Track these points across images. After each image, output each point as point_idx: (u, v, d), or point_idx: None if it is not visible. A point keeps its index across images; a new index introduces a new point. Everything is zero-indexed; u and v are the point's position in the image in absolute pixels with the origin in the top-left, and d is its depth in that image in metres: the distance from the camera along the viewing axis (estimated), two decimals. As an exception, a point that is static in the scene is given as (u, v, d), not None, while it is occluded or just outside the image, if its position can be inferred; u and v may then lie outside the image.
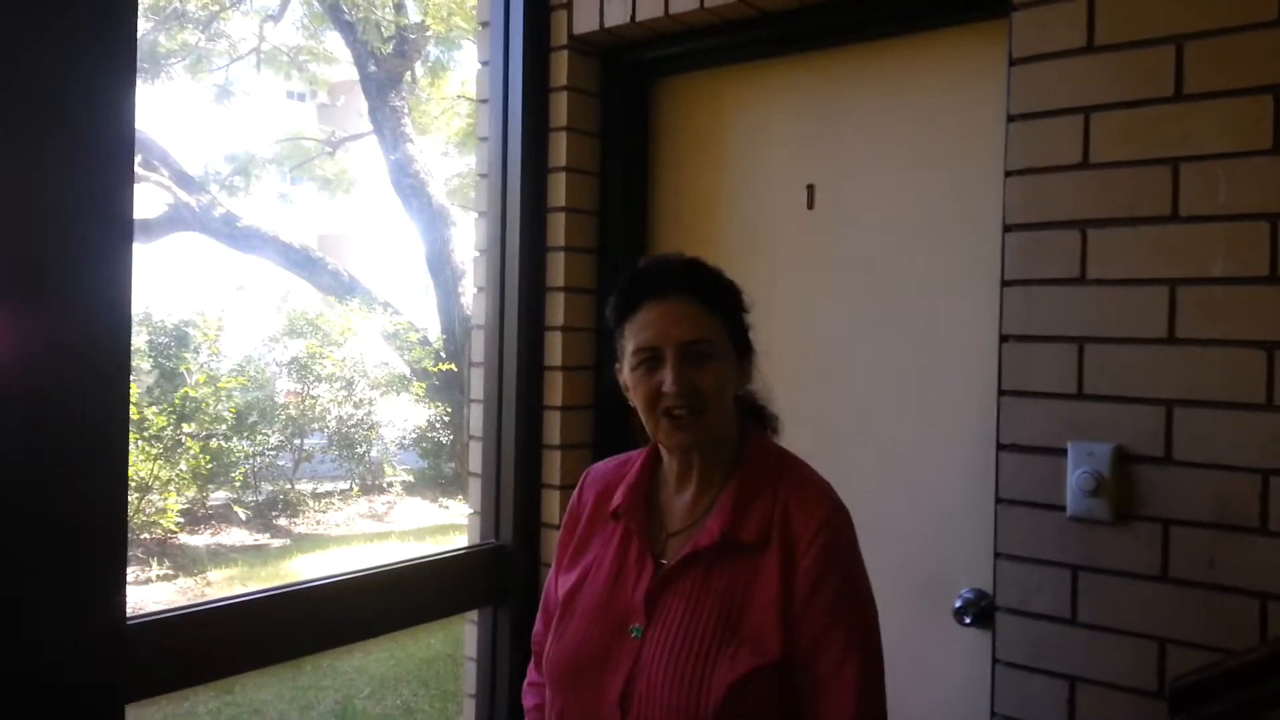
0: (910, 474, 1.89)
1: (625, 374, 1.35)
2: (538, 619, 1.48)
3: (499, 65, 2.18)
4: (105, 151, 1.39)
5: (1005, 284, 1.62)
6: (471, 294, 8.76)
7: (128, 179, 1.43)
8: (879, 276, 1.93)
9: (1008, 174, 1.61)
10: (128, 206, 1.43)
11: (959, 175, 1.84)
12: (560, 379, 2.13)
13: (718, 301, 1.34)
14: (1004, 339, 1.62)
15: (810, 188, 2.03)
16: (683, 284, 1.32)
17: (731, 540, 1.27)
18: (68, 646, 1.32)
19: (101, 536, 1.36)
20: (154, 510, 7.38)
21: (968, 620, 1.77)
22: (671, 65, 2.16)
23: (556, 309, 2.14)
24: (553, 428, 2.14)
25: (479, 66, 2.28)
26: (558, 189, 2.15)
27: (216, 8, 10.59)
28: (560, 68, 2.15)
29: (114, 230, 1.40)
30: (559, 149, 2.15)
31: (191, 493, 7.98)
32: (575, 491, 1.48)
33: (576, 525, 1.43)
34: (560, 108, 2.15)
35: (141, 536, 7.29)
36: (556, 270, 2.15)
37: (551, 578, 1.45)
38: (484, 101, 2.24)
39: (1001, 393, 1.62)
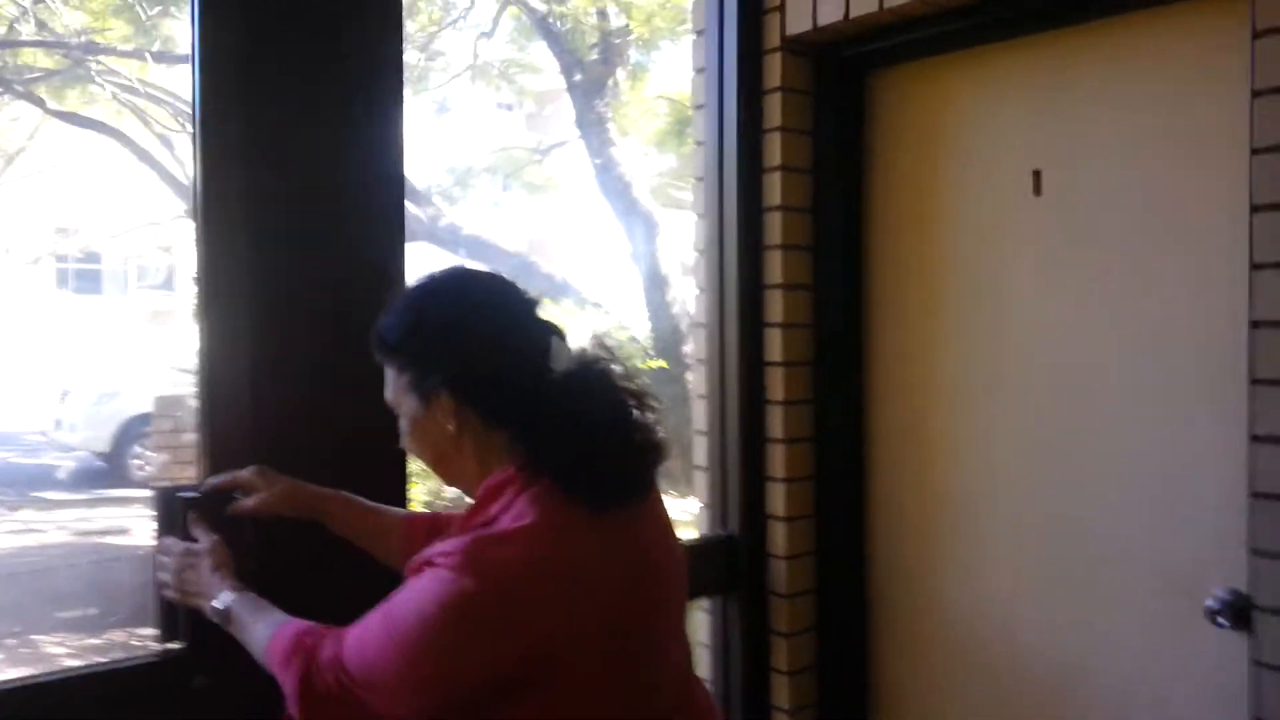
0: (1152, 469, 1.82)
1: None
2: None
3: (714, 71, 2.25)
4: (382, 168, 1.62)
5: (1255, 267, 1.54)
6: (678, 292, 8.87)
7: (399, 192, 1.65)
8: (1112, 261, 1.87)
9: (1254, 152, 1.53)
10: (399, 216, 1.66)
11: (1198, 154, 1.75)
12: (780, 374, 2.18)
13: (392, 353, 1.21)
14: (1255, 325, 1.54)
15: (1037, 173, 1.98)
16: (374, 339, 1.24)
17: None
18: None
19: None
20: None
21: (1222, 621, 1.69)
22: (886, 57, 2.17)
23: (775, 305, 2.19)
24: (775, 422, 2.20)
25: (694, 74, 2.36)
26: (773, 188, 2.19)
27: (435, 28, 11.25)
28: (774, 69, 2.19)
29: (391, 238, 1.63)
30: (773, 149, 2.19)
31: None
32: None
33: None
34: (774, 108, 2.19)
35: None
36: (774, 268, 2.20)
37: None
38: (699, 108, 2.31)
39: (1254, 382, 1.54)
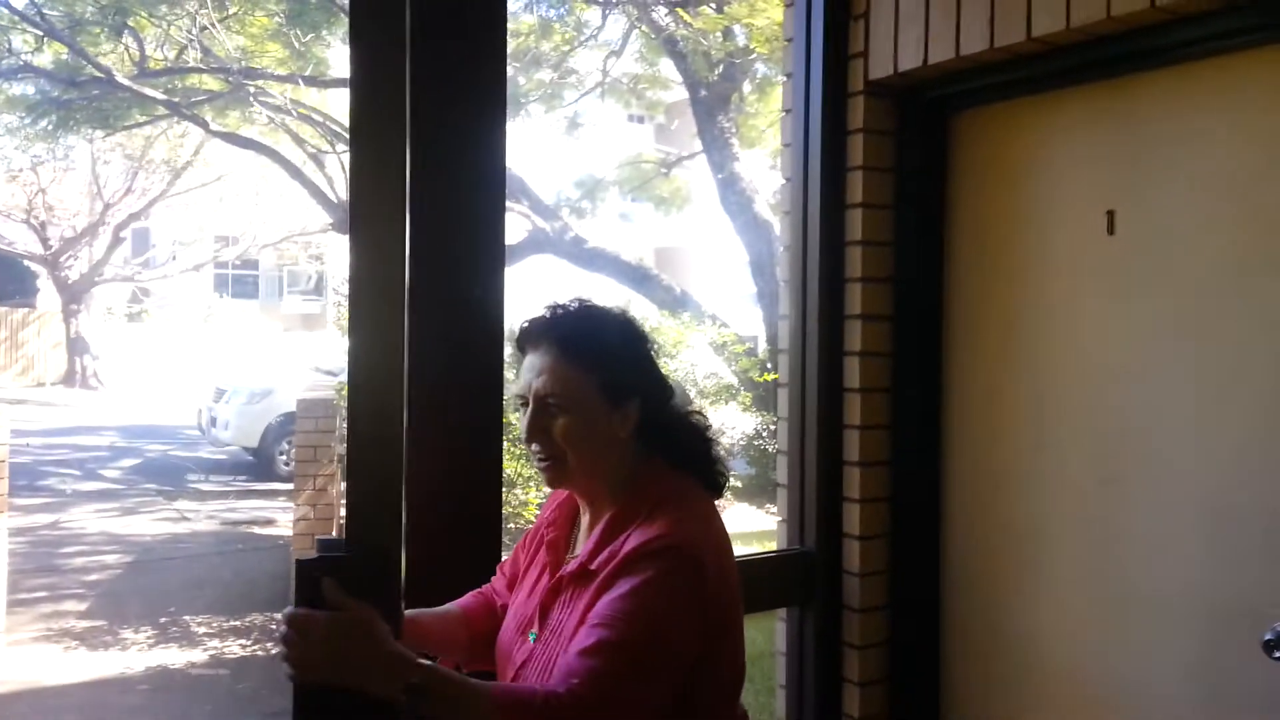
0: (1216, 503, 1.86)
1: None
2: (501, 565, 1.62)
3: (800, 113, 2.38)
4: (482, 188, 1.74)
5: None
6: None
7: (500, 211, 1.77)
8: (1182, 300, 1.92)
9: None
10: (500, 233, 1.77)
11: (1270, 196, 1.79)
12: (858, 400, 2.29)
13: (585, 354, 1.37)
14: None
15: (1110, 213, 2.04)
16: (552, 336, 1.38)
17: (586, 569, 1.33)
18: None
19: (481, 523, 1.73)
20: (518, 503, 8.30)
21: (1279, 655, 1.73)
22: (964, 100, 2.26)
23: (854, 335, 2.30)
24: (851, 446, 2.31)
25: (782, 114, 2.49)
26: (854, 224, 2.31)
27: (567, 47, 11.63)
28: (857, 111, 2.31)
29: (490, 254, 1.75)
30: (855, 186, 2.31)
31: (547, 489, 8.85)
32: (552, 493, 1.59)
33: (542, 524, 1.53)
34: (856, 148, 2.31)
35: (508, 526, 8.24)
36: (854, 299, 2.31)
37: (517, 547, 1.58)
38: (787, 146, 2.45)
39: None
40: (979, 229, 2.29)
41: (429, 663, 1.23)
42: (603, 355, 1.38)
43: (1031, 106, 2.16)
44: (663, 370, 1.46)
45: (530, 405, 1.37)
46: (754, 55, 9.43)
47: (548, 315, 1.42)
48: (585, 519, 1.45)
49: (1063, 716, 2.10)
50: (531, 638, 1.39)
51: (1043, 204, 2.15)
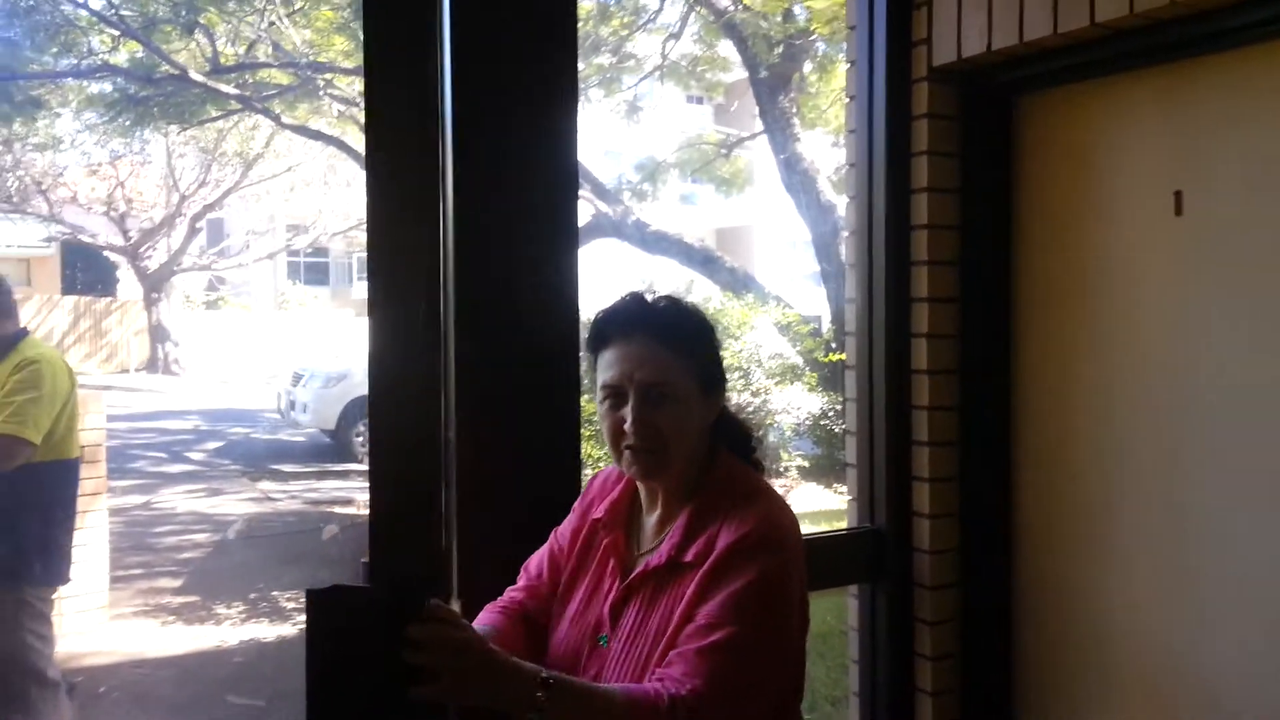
0: (1284, 477, 1.88)
1: (596, 404, 1.41)
2: (526, 565, 1.57)
3: (864, 99, 2.42)
4: (555, 174, 1.80)
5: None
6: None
7: (573, 196, 1.83)
8: (1252, 280, 1.93)
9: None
10: (573, 219, 1.83)
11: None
12: (926, 382, 2.34)
13: (683, 344, 1.37)
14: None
15: (1178, 194, 2.06)
16: (649, 325, 1.37)
17: (676, 562, 1.32)
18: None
19: (556, 504, 1.72)
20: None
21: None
22: (1028, 85, 2.28)
23: (921, 318, 2.35)
24: (920, 426, 2.36)
25: (846, 100, 2.54)
26: (920, 208, 2.35)
27: (626, 32, 11.67)
28: (921, 97, 2.35)
29: (564, 239, 1.81)
30: (920, 171, 2.35)
31: (615, 469, 8.95)
32: (588, 484, 1.56)
33: (584, 520, 1.51)
34: (921, 133, 2.35)
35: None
36: (920, 282, 2.35)
37: (550, 550, 1.54)
38: (851, 132, 2.49)
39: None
40: (1045, 212, 2.32)
41: (538, 666, 1.23)
42: (699, 344, 1.40)
43: (1096, 90, 2.18)
44: None
45: (634, 395, 1.35)
46: (814, 36, 9.37)
47: (636, 304, 1.41)
48: (654, 514, 1.43)
49: (1137, 693, 2.14)
50: (603, 642, 1.37)
51: (1108, 186, 2.18)
